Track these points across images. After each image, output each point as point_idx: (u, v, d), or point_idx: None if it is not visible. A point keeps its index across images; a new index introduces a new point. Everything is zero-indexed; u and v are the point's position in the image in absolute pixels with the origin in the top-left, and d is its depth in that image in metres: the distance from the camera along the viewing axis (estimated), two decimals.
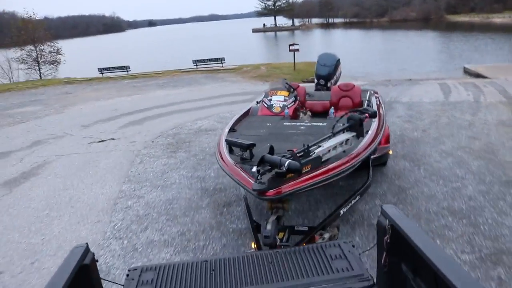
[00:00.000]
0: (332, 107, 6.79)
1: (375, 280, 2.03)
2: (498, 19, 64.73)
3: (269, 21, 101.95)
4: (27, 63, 35.23)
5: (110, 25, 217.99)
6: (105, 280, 2.13)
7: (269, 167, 3.36)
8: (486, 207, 4.94)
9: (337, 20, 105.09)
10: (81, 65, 38.12)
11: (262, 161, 3.37)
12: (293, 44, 22.86)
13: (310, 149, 3.73)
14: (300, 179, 3.56)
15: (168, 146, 8.42)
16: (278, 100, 6.61)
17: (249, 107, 6.78)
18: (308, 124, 5.62)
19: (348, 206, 4.35)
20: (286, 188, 3.47)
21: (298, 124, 5.64)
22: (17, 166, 7.97)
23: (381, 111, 6.14)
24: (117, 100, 16.01)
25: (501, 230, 4.38)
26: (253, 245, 3.71)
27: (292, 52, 22.92)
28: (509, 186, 5.48)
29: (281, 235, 3.77)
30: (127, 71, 28.24)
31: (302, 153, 3.64)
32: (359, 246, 4.23)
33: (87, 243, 1.94)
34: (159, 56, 48.67)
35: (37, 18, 38.64)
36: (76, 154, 8.44)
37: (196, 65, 27.79)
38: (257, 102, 6.92)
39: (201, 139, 8.78)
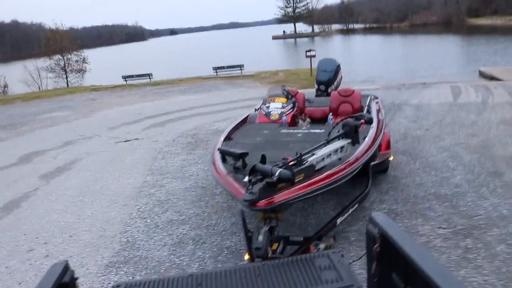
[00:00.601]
0: (331, 113, 6.77)
1: None
2: None
3: (289, 28, 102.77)
4: (55, 71, 36.86)
5: (133, 34, 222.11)
6: None
7: (261, 177, 3.34)
8: (469, 192, 5.50)
9: (357, 26, 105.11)
10: (105, 73, 39.40)
11: (253, 171, 3.37)
12: (309, 50, 23.55)
13: (303, 157, 3.71)
14: (293, 189, 3.51)
15: (188, 145, 9.16)
16: (276, 107, 6.55)
17: (247, 114, 6.79)
18: (306, 131, 5.60)
19: (346, 215, 4.29)
20: (279, 198, 3.41)
21: (295, 131, 5.61)
22: (52, 162, 8.83)
23: (380, 116, 6.12)
24: (141, 105, 16.91)
25: (478, 211, 4.94)
26: (246, 257, 3.53)
27: (309, 58, 23.59)
28: (494, 176, 6.00)
29: (275, 246, 3.71)
30: (150, 78, 29.29)
31: (295, 162, 3.62)
32: (350, 255, 4.13)
33: (67, 260, 1.86)
34: (181, 63, 49.82)
35: (63, 29, 40.27)
36: (104, 152, 9.27)
37: (216, 72, 28.63)
38: (256, 109, 6.90)
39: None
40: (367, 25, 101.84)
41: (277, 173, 3.24)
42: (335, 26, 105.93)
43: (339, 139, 4.25)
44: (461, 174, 6.19)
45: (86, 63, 37.65)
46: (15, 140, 11.97)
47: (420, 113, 10.76)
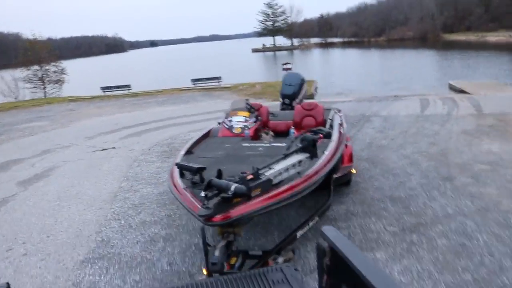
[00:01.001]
0: (293, 127, 6.79)
1: None
2: (493, 37, 66.01)
3: (269, 41, 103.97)
4: (32, 82, 36.66)
5: (113, 46, 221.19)
6: None
7: (217, 192, 3.33)
8: (421, 195, 5.97)
9: (335, 40, 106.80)
10: (84, 84, 39.43)
11: (209, 186, 3.34)
12: (285, 63, 23.91)
13: (260, 172, 3.69)
14: (249, 203, 3.50)
15: (163, 153, 9.50)
16: (239, 120, 6.54)
17: (210, 128, 6.74)
18: (267, 145, 5.60)
19: (306, 228, 4.30)
20: (235, 212, 3.40)
21: (257, 145, 5.60)
22: (30, 170, 9.06)
23: (341, 130, 6.11)
24: (119, 115, 17.15)
25: (426, 210, 5.42)
26: (204, 272, 3.57)
27: (286, 71, 24.16)
28: (446, 180, 6.49)
29: (233, 260, 3.70)
30: (128, 89, 29.47)
31: (252, 177, 3.60)
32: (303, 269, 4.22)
33: (7, 282, 1.80)
34: (160, 75, 50.06)
35: (42, 39, 40.22)
36: (82, 160, 9.54)
37: (195, 84, 28.97)
38: (218, 123, 6.84)
39: None
40: (346, 39, 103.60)
41: (232, 188, 3.22)
42: (314, 40, 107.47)
43: (297, 153, 4.26)
44: (417, 179, 6.67)
45: (64, 74, 37.63)
46: None
47: (387, 124, 11.27)
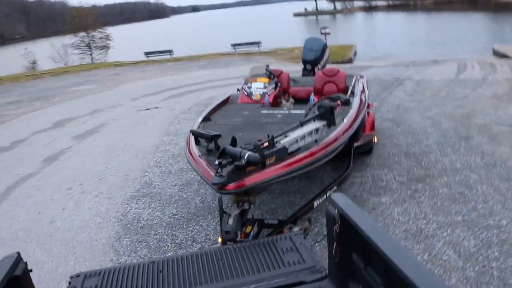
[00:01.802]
0: (312, 94, 6.70)
1: (327, 272, 2.05)
2: None
3: (311, 5, 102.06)
4: (80, 48, 38.30)
5: (155, 11, 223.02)
6: None
7: (230, 160, 3.28)
8: (435, 151, 6.43)
9: (380, 3, 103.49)
10: (128, 50, 40.66)
11: (223, 153, 3.30)
12: (324, 27, 24.09)
13: (275, 139, 3.64)
14: (264, 172, 3.49)
15: (201, 112, 10.24)
16: (258, 87, 6.42)
17: (229, 94, 6.69)
18: (286, 112, 5.51)
19: (323, 198, 4.22)
20: (249, 181, 3.38)
21: (275, 112, 5.51)
22: (82, 126, 10.06)
23: (362, 97, 6.00)
24: (161, 79, 18.03)
25: (436, 165, 5.90)
26: (219, 240, 3.54)
27: (324, 35, 24.29)
28: (462, 139, 6.88)
29: (248, 229, 3.68)
30: (171, 54, 30.33)
31: (266, 144, 3.57)
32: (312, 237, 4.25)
33: (18, 252, 1.82)
34: (201, 40, 50.65)
35: (87, 7, 41.68)
36: (128, 118, 10.45)
37: (235, 49, 29.46)
38: (238, 89, 6.75)
39: None
40: (390, 2, 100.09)
41: (245, 156, 3.18)
42: (358, 3, 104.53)
43: (314, 121, 4.18)
44: (435, 137, 7.09)
45: (110, 40, 39.05)
46: (49, 109, 13.28)
47: (419, 88, 11.51)
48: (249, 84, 6.49)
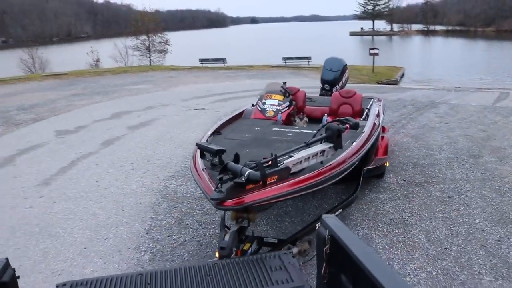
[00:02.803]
0: (326, 115, 6.57)
1: None
2: None
3: (368, 25, 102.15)
4: (140, 50, 40.70)
5: (215, 20, 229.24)
6: None
7: (231, 176, 3.26)
8: (441, 164, 7.15)
9: (438, 28, 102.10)
10: (185, 55, 42.69)
11: (225, 169, 3.29)
12: (373, 48, 25.04)
13: (278, 159, 3.63)
14: (264, 190, 3.45)
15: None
16: (272, 104, 6.39)
17: (243, 109, 6.68)
18: (297, 131, 5.47)
19: None
20: (248, 198, 3.36)
21: (286, 130, 5.49)
22: (136, 119, 11.40)
23: (376, 121, 5.93)
24: (212, 84, 19.36)
25: (438, 175, 6.63)
26: (217, 255, 3.52)
27: (372, 56, 25.01)
28: (472, 157, 7.50)
29: (247, 246, 3.71)
30: (224, 63, 31.86)
31: (269, 163, 3.56)
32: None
33: (7, 258, 1.85)
34: (255, 51, 52.28)
35: (150, 11, 44.18)
36: (177, 115, 11.70)
37: (285, 62, 30.59)
38: (252, 105, 6.74)
39: None
40: (450, 28, 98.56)
41: (246, 174, 3.15)
42: (416, 27, 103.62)
43: (320, 143, 4.16)
44: (447, 154, 7.78)
45: (168, 44, 41.26)
46: (108, 102, 14.82)
47: (451, 111, 12.02)
48: (263, 100, 6.49)
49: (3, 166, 7.89)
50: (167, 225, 5.14)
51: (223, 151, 3.71)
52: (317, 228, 2.07)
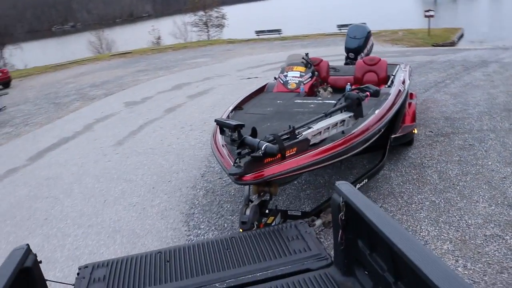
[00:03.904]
0: (349, 83, 6.40)
1: (333, 259, 2.06)
2: None
3: None
4: (198, 26, 42.13)
5: None
6: (51, 281, 2.10)
7: (249, 150, 3.24)
8: (472, 117, 7.59)
9: None
10: (242, 28, 43.52)
11: (242, 144, 3.28)
12: (428, 10, 24.67)
13: (296, 131, 3.60)
14: (284, 163, 3.44)
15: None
16: (294, 76, 6.26)
17: (265, 83, 6.64)
18: (320, 101, 5.36)
19: None
20: (268, 172, 3.35)
21: (309, 101, 5.40)
22: (195, 89, 12.56)
23: (401, 88, 5.78)
24: (266, 55, 20.16)
25: (466, 126, 7.13)
26: (240, 230, 3.42)
27: (428, 18, 24.67)
28: (505, 111, 7.81)
29: (270, 219, 3.72)
30: (279, 33, 32.39)
31: (287, 136, 3.53)
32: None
33: (27, 244, 1.90)
34: (311, 21, 51.97)
35: None
36: (231, 84, 12.72)
37: (340, 29, 30.62)
38: (275, 78, 6.69)
39: None
40: None
41: (263, 147, 3.13)
42: None
43: (341, 112, 4.10)
44: (482, 108, 8.14)
45: (225, 19, 42.35)
46: (170, 76, 16.16)
47: (500, 69, 11.98)
48: (285, 73, 6.40)
49: (85, 132, 9.32)
50: (219, 171, 6.15)
51: (241, 125, 3.57)
52: (332, 195, 2.05)
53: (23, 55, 37.74)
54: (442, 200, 4.71)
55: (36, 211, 5.69)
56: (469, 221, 4.22)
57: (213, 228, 4.66)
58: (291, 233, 2.28)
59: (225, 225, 4.69)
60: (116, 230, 4.87)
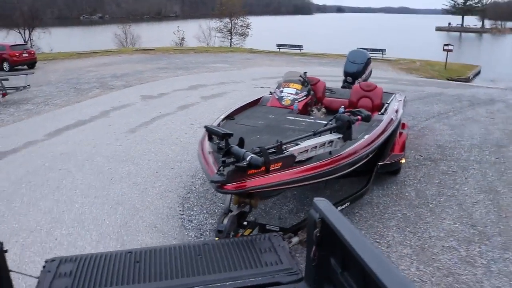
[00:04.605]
0: (343, 106, 6.49)
1: (303, 274, 2.06)
2: None
3: (457, 20, 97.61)
4: (222, 32, 43.08)
5: (300, 7, 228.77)
6: (16, 272, 2.03)
7: (234, 160, 3.26)
8: (463, 148, 8.05)
9: None
10: (265, 40, 44.33)
11: (228, 153, 3.29)
12: (447, 45, 25.17)
13: (284, 146, 3.62)
14: (267, 176, 3.45)
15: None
16: (289, 92, 6.34)
17: (261, 96, 6.75)
18: (312, 121, 5.40)
19: None
20: (251, 183, 3.36)
21: (301, 119, 5.42)
22: (210, 91, 13.18)
23: (393, 116, 5.85)
24: (283, 68, 20.59)
25: (455, 156, 7.60)
26: (216, 237, 3.48)
27: (446, 52, 25.14)
28: (496, 146, 8.22)
29: (248, 231, 3.72)
30: (300, 49, 33.05)
31: (274, 150, 3.56)
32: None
33: (1, 242, 1.83)
34: (333, 41, 52.70)
35: None
36: (244, 91, 13.30)
37: None
38: (270, 92, 6.74)
39: None
40: None
41: (248, 158, 3.13)
42: (511, 24, 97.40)
43: (330, 133, 4.13)
44: (475, 141, 8.55)
45: (249, 28, 43.33)
46: (188, 76, 16.84)
47: (505, 109, 12.23)
48: (281, 89, 6.51)
49: (101, 117, 9.96)
50: None
51: (229, 134, 3.57)
52: (308, 211, 2.04)
53: (50, 40, 38.83)
54: (413, 214, 5.20)
55: (49, 179, 6.28)
56: (432, 234, 4.71)
57: (205, 212, 5.21)
58: (264, 245, 2.27)
59: (216, 210, 5.24)
60: (119, 203, 5.45)
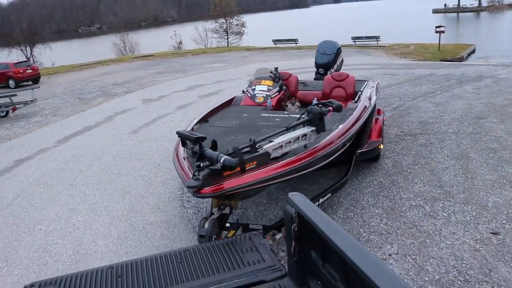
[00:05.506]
0: (316, 98, 6.54)
1: (287, 270, 2.09)
2: None
3: (453, 1, 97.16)
4: (218, 33, 43.81)
5: (296, 1, 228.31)
6: None
7: (208, 163, 3.24)
8: (443, 123, 8.59)
9: None
10: (261, 36, 44.87)
11: (202, 156, 3.29)
12: (439, 26, 25.63)
13: (257, 144, 3.61)
14: (243, 176, 3.44)
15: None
16: (261, 89, 6.33)
17: (233, 96, 6.70)
18: (286, 116, 5.42)
19: (316, 204, 3.91)
20: (227, 185, 3.34)
21: (275, 115, 5.42)
22: (206, 90, 13.87)
23: (367, 103, 5.86)
24: (279, 62, 21.28)
25: (434, 129, 8.16)
26: (199, 242, 3.47)
27: (439, 34, 25.59)
28: (476, 118, 8.68)
29: (231, 233, 3.73)
30: (296, 43, 33.63)
31: (248, 149, 3.54)
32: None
33: None
34: (329, 32, 53.03)
35: None
36: (240, 87, 13.61)
37: (354, 42, 31.69)
38: (243, 91, 6.73)
39: None
40: None
41: (221, 160, 3.14)
42: (509, 0, 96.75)
43: (303, 126, 4.12)
44: (456, 115, 9.07)
45: (244, 27, 44.06)
46: (186, 78, 17.55)
47: (492, 84, 12.53)
48: (253, 87, 6.49)
49: (105, 122, 10.69)
50: None
51: (203, 138, 3.57)
52: (284, 206, 2.05)
53: (51, 54, 39.81)
54: (388, 181, 5.80)
55: (63, 179, 7.00)
56: (403, 196, 5.32)
57: None
58: (245, 244, 2.28)
59: None
60: (126, 192, 6.16)
